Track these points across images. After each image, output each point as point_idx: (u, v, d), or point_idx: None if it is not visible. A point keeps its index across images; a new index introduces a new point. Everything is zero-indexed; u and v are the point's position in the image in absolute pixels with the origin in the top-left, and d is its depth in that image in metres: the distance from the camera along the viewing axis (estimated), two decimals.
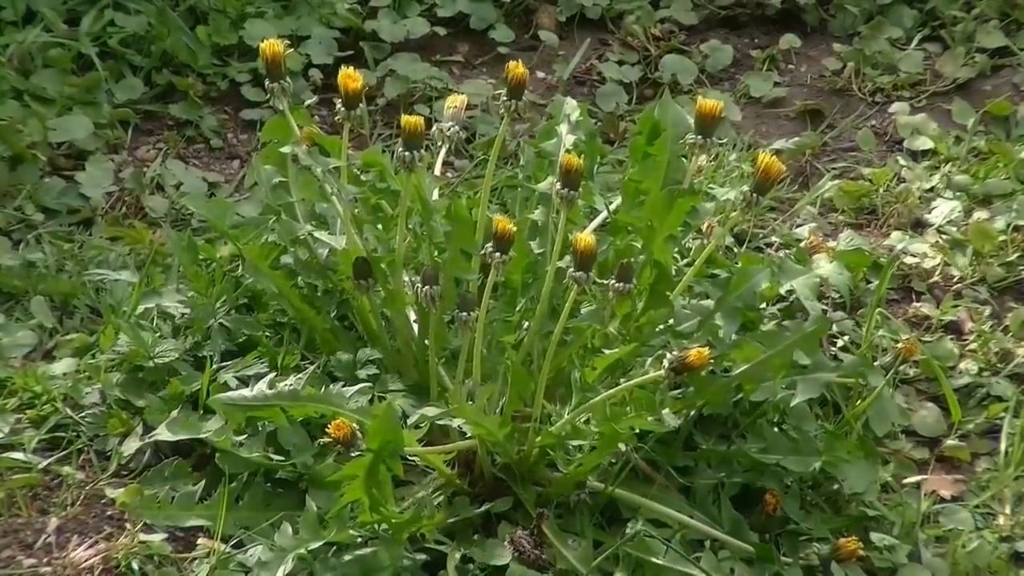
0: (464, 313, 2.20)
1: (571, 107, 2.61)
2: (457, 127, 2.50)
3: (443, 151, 2.51)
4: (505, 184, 2.90)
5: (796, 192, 3.09)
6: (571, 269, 2.18)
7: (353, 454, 2.08)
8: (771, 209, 3.00)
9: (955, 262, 2.88)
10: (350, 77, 2.34)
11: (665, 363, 2.14)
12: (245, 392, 2.24)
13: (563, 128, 2.58)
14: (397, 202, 2.38)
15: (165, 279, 2.67)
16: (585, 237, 2.17)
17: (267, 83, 2.40)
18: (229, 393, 2.26)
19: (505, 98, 2.36)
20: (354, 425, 2.08)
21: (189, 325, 2.51)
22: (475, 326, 2.21)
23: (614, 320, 2.30)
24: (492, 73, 3.42)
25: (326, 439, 2.09)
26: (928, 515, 2.41)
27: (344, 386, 2.31)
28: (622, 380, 2.31)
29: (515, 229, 2.19)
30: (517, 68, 2.33)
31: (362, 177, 2.45)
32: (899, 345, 2.58)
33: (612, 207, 2.55)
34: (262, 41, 2.40)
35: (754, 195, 2.29)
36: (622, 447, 2.26)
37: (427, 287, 2.22)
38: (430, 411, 2.11)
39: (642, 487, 2.33)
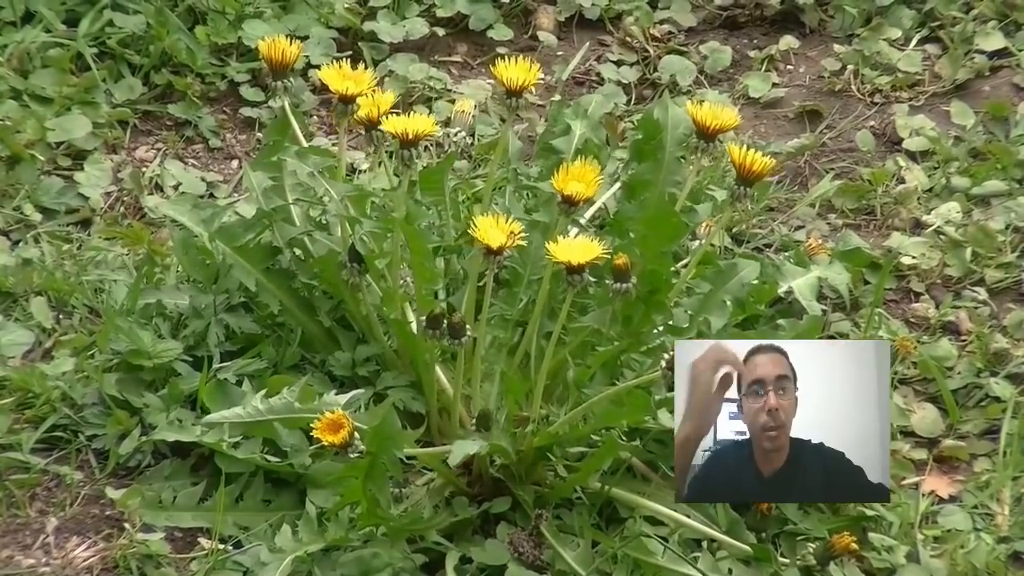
0: (456, 340, 2.19)
1: (593, 103, 2.62)
2: (464, 133, 2.50)
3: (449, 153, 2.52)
4: (499, 183, 2.90)
5: (795, 192, 3.10)
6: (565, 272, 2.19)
7: (352, 455, 2.08)
8: (770, 210, 3.00)
9: (954, 263, 2.88)
10: (349, 78, 2.34)
11: (662, 363, 2.14)
12: (238, 410, 2.24)
13: (577, 124, 2.58)
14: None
15: (164, 278, 2.67)
16: (574, 255, 2.17)
17: (270, 80, 2.40)
18: (223, 412, 2.25)
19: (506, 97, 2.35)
20: (352, 428, 2.07)
21: (187, 324, 2.51)
22: (467, 344, 2.20)
23: (616, 323, 2.30)
24: (491, 74, 3.41)
25: (324, 444, 2.09)
26: (926, 515, 2.41)
27: (342, 387, 2.31)
28: (620, 379, 2.31)
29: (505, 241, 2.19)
30: (519, 70, 2.33)
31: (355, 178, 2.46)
32: (893, 343, 2.58)
33: (612, 195, 2.56)
34: (263, 39, 2.40)
35: (741, 188, 2.30)
36: (623, 455, 2.26)
37: (431, 330, 2.22)
38: (470, 446, 2.12)
39: (640, 486, 2.33)
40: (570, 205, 2.25)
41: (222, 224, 2.52)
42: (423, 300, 2.29)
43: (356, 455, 2.08)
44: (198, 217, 2.55)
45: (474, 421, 2.20)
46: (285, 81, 2.40)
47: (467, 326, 2.20)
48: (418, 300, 2.31)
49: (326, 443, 2.07)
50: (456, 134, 2.50)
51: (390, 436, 2.07)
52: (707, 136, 2.34)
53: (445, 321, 2.19)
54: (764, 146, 3.19)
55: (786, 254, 2.82)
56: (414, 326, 2.41)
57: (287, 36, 3.07)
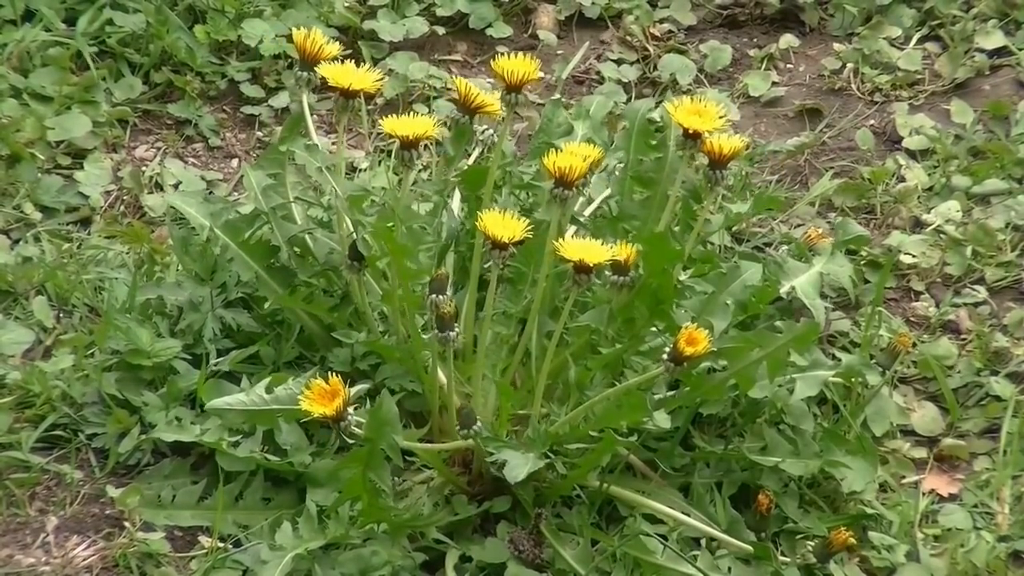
0: (443, 333, 2.18)
1: (595, 104, 2.62)
2: (492, 130, 2.50)
3: (475, 153, 2.52)
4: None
5: (795, 191, 3.10)
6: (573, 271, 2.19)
7: (344, 431, 2.07)
8: (769, 208, 2.99)
9: (954, 261, 2.87)
10: (352, 74, 2.35)
11: (664, 355, 2.15)
12: (242, 397, 2.24)
13: (579, 125, 2.59)
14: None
15: (164, 276, 2.67)
16: (586, 255, 2.17)
17: (296, 71, 2.40)
18: (226, 398, 2.25)
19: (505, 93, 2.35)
20: (347, 396, 2.06)
21: (186, 317, 2.50)
22: (455, 342, 2.20)
23: (614, 322, 2.30)
24: (491, 72, 3.41)
25: (316, 415, 2.06)
26: (926, 514, 2.41)
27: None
28: (620, 378, 2.31)
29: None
30: (519, 64, 2.33)
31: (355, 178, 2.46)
32: (891, 341, 2.56)
33: (608, 194, 2.56)
34: (296, 28, 2.40)
35: (715, 172, 2.31)
36: (622, 451, 2.26)
37: (435, 294, 2.21)
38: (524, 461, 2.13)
39: (639, 484, 2.33)
40: (564, 187, 2.23)
41: (227, 219, 2.52)
42: (410, 298, 2.29)
43: (353, 440, 2.07)
44: (207, 211, 2.55)
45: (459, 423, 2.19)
46: (310, 74, 2.40)
47: (456, 322, 2.19)
48: (404, 298, 2.31)
49: (317, 415, 2.05)
50: (484, 132, 2.50)
51: (388, 422, 2.07)
52: (689, 136, 2.35)
53: (449, 289, 2.18)
54: (764, 145, 3.19)
55: (786, 247, 2.83)
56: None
57: (286, 35, 3.09)
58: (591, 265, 2.17)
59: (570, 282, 2.20)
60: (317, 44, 2.39)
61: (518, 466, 2.11)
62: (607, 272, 2.24)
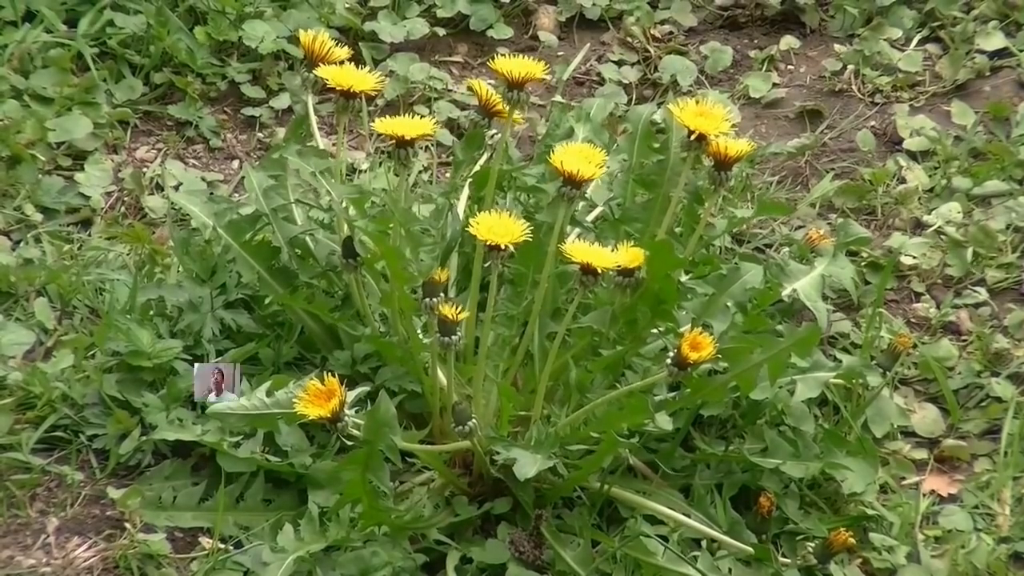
0: (445, 337, 2.18)
1: (595, 106, 2.63)
2: (500, 134, 2.50)
3: (484, 157, 2.52)
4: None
5: (796, 192, 3.10)
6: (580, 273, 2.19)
7: (341, 429, 2.07)
8: (773, 214, 2.99)
9: (954, 263, 2.87)
10: (352, 75, 2.35)
11: (667, 360, 2.15)
12: (243, 401, 2.24)
13: (580, 128, 2.59)
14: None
15: (165, 277, 2.67)
16: (594, 258, 2.17)
17: (302, 72, 2.40)
18: (228, 402, 2.25)
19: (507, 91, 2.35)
20: (344, 397, 2.06)
21: (185, 318, 2.50)
22: (455, 347, 2.20)
23: (616, 324, 2.30)
24: (492, 74, 3.41)
25: (311, 417, 2.06)
26: (927, 516, 2.41)
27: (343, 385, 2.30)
28: (621, 380, 2.31)
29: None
30: (520, 63, 2.33)
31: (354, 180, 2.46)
32: (891, 342, 2.56)
33: (612, 199, 2.56)
34: (299, 30, 2.41)
35: (719, 174, 2.32)
36: (623, 452, 2.26)
37: (429, 298, 2.21)
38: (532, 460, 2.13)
39: (640, 485, 2.33)
40: (573, 186, 2.23)
41: (231, 219, 2.52)
42: (406, 300, 2.29)
43: (351, 442, 2.07)
44: (210, 210, 2.55)
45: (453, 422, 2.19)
46: (314, 73, 2.40)
47: (458, 327, 2.19)
48: (401, 300, 2.31)
49: (313, 417, 2.04)
50: (492, 136, 2.50)
51: (386, 423, 2.07)
52: (694, 138, 2.35)
53: (443, 292, 2.18)
54: (765, 146, 3.19)
55: (787, 249, 2.82)
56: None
57: (287, 37, 3.09)
58: (598, 268, 2.17)
59: (576, 284, 2.20)
60: (326, 46, 2.39)
61: (527, 463, 2.11)
62: (611, 273, 2.24)
